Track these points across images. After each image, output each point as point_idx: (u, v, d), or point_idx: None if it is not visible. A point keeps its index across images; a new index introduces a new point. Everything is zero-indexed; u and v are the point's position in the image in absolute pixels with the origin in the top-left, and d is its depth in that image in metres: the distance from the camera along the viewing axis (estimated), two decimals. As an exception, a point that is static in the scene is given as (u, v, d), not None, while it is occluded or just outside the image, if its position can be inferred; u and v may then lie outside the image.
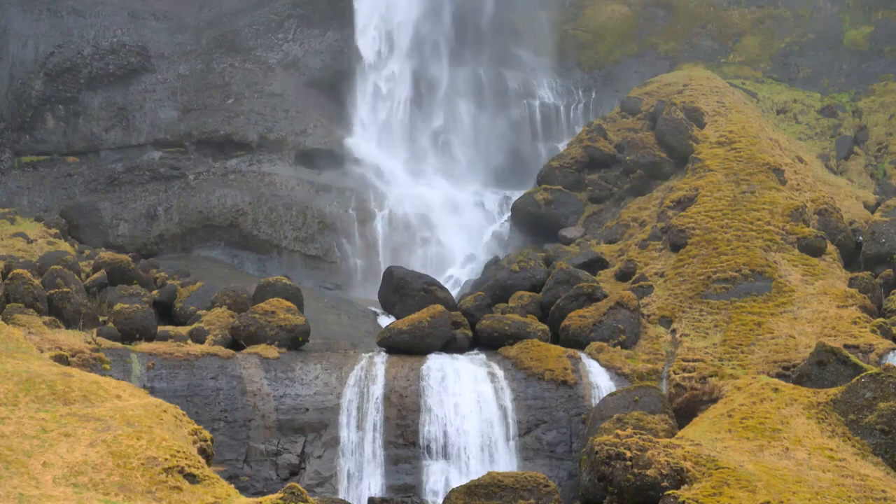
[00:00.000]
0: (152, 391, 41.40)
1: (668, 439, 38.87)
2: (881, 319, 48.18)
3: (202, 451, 34.52)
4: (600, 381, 45.88)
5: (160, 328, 46.87)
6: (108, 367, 42.60)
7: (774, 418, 39.66)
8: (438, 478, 43.52)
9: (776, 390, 41.18)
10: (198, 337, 46.32)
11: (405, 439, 44.13)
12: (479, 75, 72.87)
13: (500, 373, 45.94)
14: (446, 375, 45.30)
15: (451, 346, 47.95)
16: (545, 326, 49.10)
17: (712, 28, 76.79)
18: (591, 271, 53.34)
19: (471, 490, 37.66)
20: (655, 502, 35.74)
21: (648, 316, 50.04)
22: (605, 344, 47.62)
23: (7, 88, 65.61)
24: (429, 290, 51.43)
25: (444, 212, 66.72)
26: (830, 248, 53.49)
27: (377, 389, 44.78)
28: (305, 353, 46.58)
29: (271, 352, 45.79)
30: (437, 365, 45.85)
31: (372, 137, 69.60)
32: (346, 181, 66.88)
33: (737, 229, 53.22)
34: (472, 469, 43.11)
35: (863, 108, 70.03)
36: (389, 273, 53.65)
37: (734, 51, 75.67)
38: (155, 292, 50.93)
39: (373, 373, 45.30)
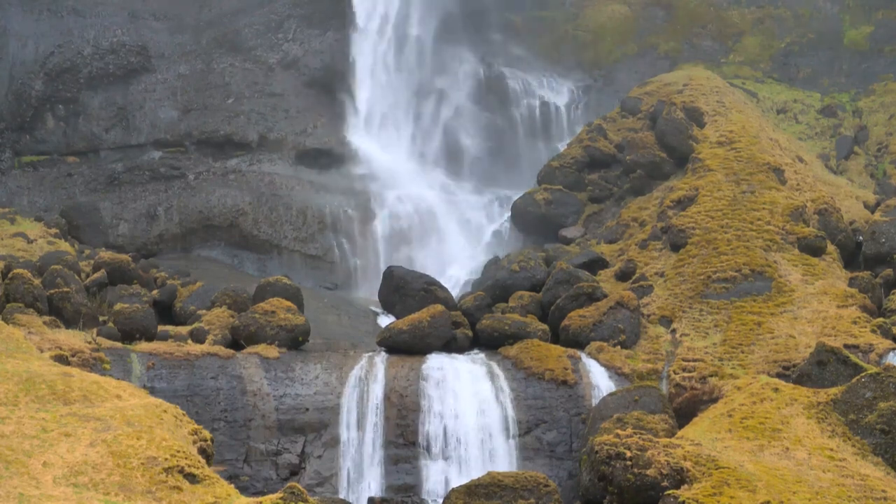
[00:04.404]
0: (152, 391, 41.39)
1: (668, 439, 38.86)
2: (881, 319, 48.17)
3: (202, 451, 34.51)
4: (600, 381, 45.88)
5: (160, 328, 46.86)
6: (108, 367, 42.60)
7: (774, 418, 39.66)
8: (438, 478, 43.52)
9: (776, 390, 41.18)
10: (198, 337, 46.32)
11: (405, 439, 44.14)
12: (479, 75, 72.90)
13: (500, 373, 45.94)
14: (446, 375, 45.31)
15: (451, 346, 47.95)
16: (545, 326, 49.10)
17: (712, 28, 76.81)
18: (591, 271, 53.35)
19: (471, 490, 37.66)
20: (655, 502, 35.73)
21: (648, 316, 50.04)
22: (605, 344, 47.62)
23: (7, 88, 65.60)
24: (429, 290, 51.43)
25: (444, 211, 66.73)
26: (830, 248, 53.49)
27: (377, 389, 44.78)
28: (305, 353, 46.58)
29: (271, 352, 45.79)
30: (437, 365, 45.85)
31: (372, 137, 69.61)
32: (345, 181, 66.89)
33: (737, 229, 53.22)
34: (472, 469, 43.10)
35: (863, 108, 70.04)
36: (389, 273, 53.66)
37: (734, 51, 75.68)
38: (155, 292, 50.93)
39: (373, 373, 45.32)
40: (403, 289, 52.09)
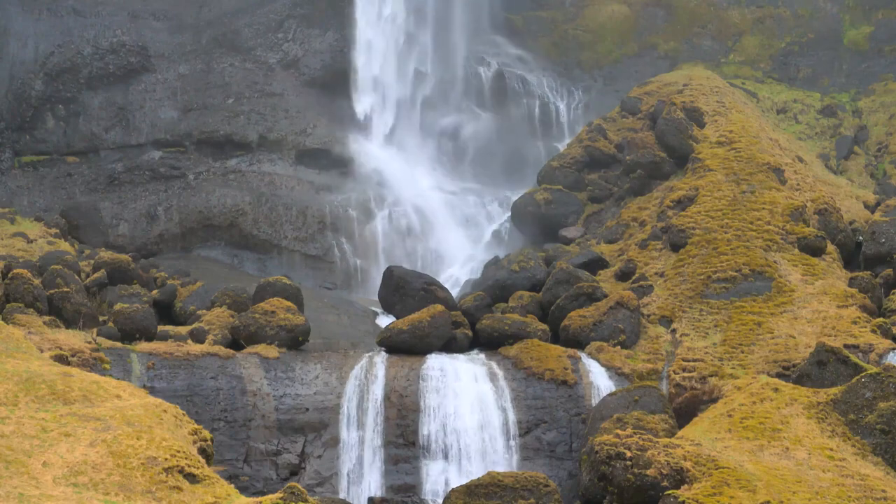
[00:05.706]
0: (152, 391, 41.40)
1: (668, 439, 38.88)
2: (881, 319, 48.18)
3: (202, 451, 34.52)
4: (600, 380, 45.88)
5: (160, 328, 46.87)
6: (108, 366, 42.61)
7: (774, 418, 39.67)
8: (438, 478, 43.53)
9: (776, 390, 41.19)
10: (198, 337, 46.32)
11: (405, 439, 44.14)
12: (479, 75, 72.90)
13: (500, 372, 45.94)
14: (446, 375, 45.31)
15: (451, 346, 47.95)
16: (545, 326, 49.10)
17: (712, 28, 76.82)
18: (591, 271, 53.35)
19: (471, 490, 37.67)
20: (655, 502, 35.74)
21: (648, 316, 50.04)
22: (605, 344, 47.62)
23: (7, 88, 65.63)
24: (429, 290, 51.41)
25: (444, 211, 66.73)
26: (830, 247, 53.49)
27: (377, 389, 44.79)
28: (305, 352, 46.58)
29: (271, 351, 45.80)
30: (437, 365, 45.85)
31: (371, 137, 69.62)
32: (345, 181, 66.92)
33: (737, 229, 53.22)
34: (472, 469, 43.11)
35: (863, 108, 70.03)
36: (389, 273, 53.64)
37: (734, 51, 75.69)
38: (155, 292, 50.94)
39: (373, 373, 45.32)
40: (403, 289, 52.07)
